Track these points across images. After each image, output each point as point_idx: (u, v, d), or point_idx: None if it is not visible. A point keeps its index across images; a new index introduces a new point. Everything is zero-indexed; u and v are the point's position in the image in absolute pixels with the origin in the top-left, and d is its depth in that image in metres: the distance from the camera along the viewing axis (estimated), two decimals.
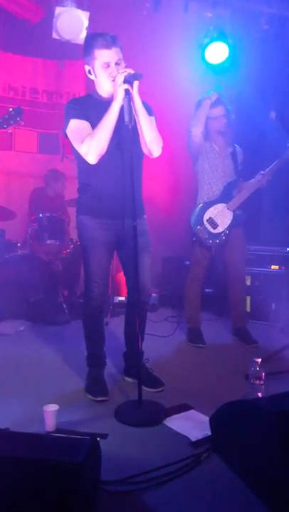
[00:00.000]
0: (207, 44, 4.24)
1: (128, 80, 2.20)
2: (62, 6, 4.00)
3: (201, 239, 3.46)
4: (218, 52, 4.24)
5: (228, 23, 4.23)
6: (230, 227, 3.45)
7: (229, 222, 3.45)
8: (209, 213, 3.45)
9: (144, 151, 2.45)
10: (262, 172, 3.45)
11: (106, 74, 2.31)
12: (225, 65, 4.30)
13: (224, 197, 3.46)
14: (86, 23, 4.04)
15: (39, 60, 5.37)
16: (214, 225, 3.44)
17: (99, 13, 4.14)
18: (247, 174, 3.56)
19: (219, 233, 3.45)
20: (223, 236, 3.46)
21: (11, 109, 3.13)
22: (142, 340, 2.55)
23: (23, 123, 3.22)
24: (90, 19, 4.04)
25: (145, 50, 4.43)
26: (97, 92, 2.44)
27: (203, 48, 4.27)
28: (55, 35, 4.08)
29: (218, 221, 3.45)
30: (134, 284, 2.37)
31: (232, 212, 3.46)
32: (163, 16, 4.18)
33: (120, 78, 2.20)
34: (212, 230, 3.45)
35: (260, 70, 4.39)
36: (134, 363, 2.60)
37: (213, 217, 3.45)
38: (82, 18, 4.02)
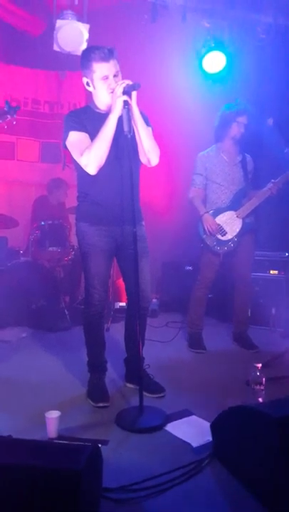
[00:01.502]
0: (205, 53, 4.30)
1: (127, 91, 2.25)
2: (63, 19, 4.06)
3: (209, 246, 3.48)
4: (215, 61, 4.30)
5: (226, 33, 4.28)
6: (239, 234, 3.47)
7: (238, 229, 3.47)
8: (218, 220, 3.46)
9: (142, 160, 2.50)
10: (273, 180, 3.45)
11: (105, 86, 2.36)
12: (222, 74, 4.36)
13: (234, 205, 3.47)
14: (86, 35, 4.10)
15: (40, 72, 5.44)
16: (223, 232, 3.46)
17: (98, 25, 4.20)
18: (253, 182, 3.59)
19: (227, 240, 3.47)
20: (231, 244, 3.47)
21: (5, 107, 2.92)
22: (143, 345, 2.57)
23: (14, 122, 2.97)
24: (90, 31, 4.10)
25: (144, 59, 4.49)
26: (95, 104, 2.49)
27: (200, 57, 4.33)
28: (56, 48, 4.14)
29: (227, 228, 3.46)
30: (134, 290, 2.40)
31: (241, 220, 3.47)
32: (161, 26, 4.23)
33: (119, 89, 2.24)
34: (220, 237, 3.46)
35: (257, 78, 4.44)
36: (134, 369, 2.63)
37: (222, 224, 3.46)
38: (83, 30, 4.08)
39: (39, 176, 5.37)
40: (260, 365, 2.41)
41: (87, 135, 2.38)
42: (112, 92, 2.31)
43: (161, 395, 2.60)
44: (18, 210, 5.11)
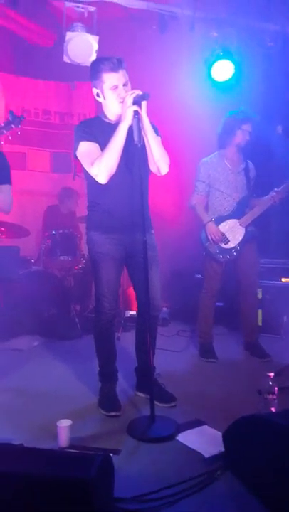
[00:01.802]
0: (213, 62, 4.32)
1: (137, 101, 2.27)
2: (73, 31, 4.13)
3: (212, 254, 3.47)
4: (223, 70, 4.33)
5: (234, 41, 4.31)
6: (241, 243, 3.46)
7: (241, 238, 3.46)
8: (221, 228, 3.46)
9: (152, 169, 2.51)
10: (276, 189, 3.44)
11: (114, 96, 2.39)
12: (231, 82, 4.38)
13: (236, 213, 3.47)
14: (96, 46, 4.16)
15: (51, 83, 5.53)
16: (225, 241, 3.46)
17: (108, 37, 4.26)
18: (255, 189, 3.59)
19: (230, 249, 3.46)
20: (234, 252, 3.46)
21: (9, 117, 2.83)
22: (153, 354, 2.57)
23: (19, 132, 2.86)
24: (100, 42, 4.16)
25: (153, 70, 4.53)
26: (104, 115, 2.52)
27: (209, 66, 4.36)
28: (66, 59, 4.21)
29: (229, 236, 3.45)
30: (144, 299, 2.40)
31: (244, 229, 3.46)
32: (169, 37, 4.27)
33: (129, 100, 2.26)
34: (223, 245, 3.46)
35: (265, 86, 4.45)
36: (145, 378, 2.62)
37: (224, 232, 3.45)
38: (92, 42, 4.14)
39: (50, 185, 5.43)
40: (272, 374, 2.38)
41: (97, 145, 2.41)
42: (122, 102, 2.33)
43: (173, 404, 2.59)
44: (29, 219, 5.16)
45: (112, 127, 2.37)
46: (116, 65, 2.35)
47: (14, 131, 2.81)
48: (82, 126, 2.51)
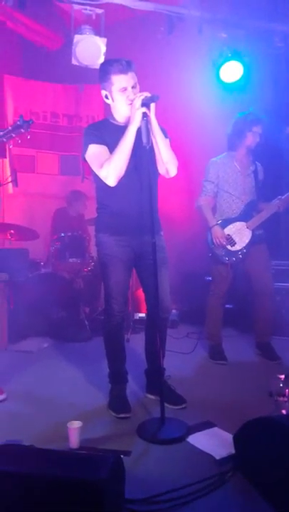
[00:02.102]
0: (221, 63, 4.31)
1: (145, 103, 2.27)
2: (81, 33, 4.14)
3: (217, 255, 3.45)
4: (232, 71, 4.31)
5: (242, 42, 4.29)
6: (248, 245, 3.44)
7: (248, 240, 3.43)
8: (228, 230, 3.44)
9: (161, 171, 2.51)
10: (279, 197, 3.42)
11: (124, 98, 2.39)
12: (240, 84, 4.36)
13: (244, 215, 3.44)
14: (104, 48, 4.18)
15: (59, 85, 5.56)
16: (232, 243, 3.44)
17: (116, 39, 4.27)
18: (263, 191, 3.57)
19: (236, 251, 3.44)
20: (240, 254, 3.44)
21: (18, 121, 2.80)
22: (163, 356, 2.56)
23: (29, 136, 2.83)
24: (108, 45, 4.17)
25: (161, 71, 4.54)
26: (113, 117, 2.52)
27: (217, 68, 4.35)
28: (74, 62, 4.22)
29: (236, 239, 3.44)
30: (153, 300, 2.39)
31: (251, 231, 3.44)
32: (177, 39, 4.27)
33: (138, 102, 2.27)
34: (229, 248, 3.44)
35: (274, 87, 4.43)
36: (155, 380, 2.61)
37: (231, 234, 3.43)
38: (100, 44, 4.16)
39: (59, 188, 5.45)
40: (283, 376, 2.36)
41: (106, 148, 2.41)
42: (130, 104, 2.33)
43: (183, 406, 2.58)
44: (38, 222, 5.18)
45: (120, 129, 2.38)
46: (125, 67, 2.35)
47: (24, 136, 2.81)
48: (90, 129, 2.52)
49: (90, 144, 2.43)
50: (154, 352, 2.54)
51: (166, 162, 2.45)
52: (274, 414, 2.23)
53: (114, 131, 2.41)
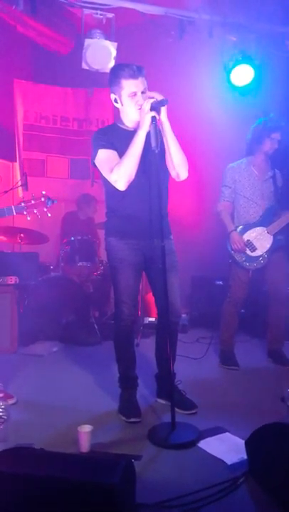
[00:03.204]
0: (232, 67, 4.30)
1: (155, 107, 2.27)
2: (91, 37, 4.16)
3: (238, 261, 3.43)
4: (243, 75, 4.30)
5: (253, 46, 4.28)
6: (269, 251, 3.40)
7: (269, 246, 3.40)
8: (248, 236, 3.41)
9: (172, 174, 2.51)
10: None
11: (133, 102, 2.39)
12: (251, 87, 4.34)
13: (264, 220, 3.42)
14: (114, 52, 4.19)
15: (69, 89, 5.60)
16: (252, 248, 3.41)
17: (126, 43, 4.28)
18: (282, 198, 3.54)
19: (257, 256, 3.41)
20: (261, 260, 3.40)
21: (43, 198, 2.84)
22: (174, 361, 2.55)
23: (49, 215, 2.86)
24: (118, 49, 4.19)
25: (172, 75, 4.54)
26: (122, 122, 2.52)
27: (228, 71, 4.34)
28: (84, 66, 4.24)
29: (256, 244, 3.40)
30: (163, 304, 2.38)
31: (272, 237, 3.41)
32: (188, 42, 4.27)
33: (147, 106, 2.27)
34: (250, 253, 3.41)
35: (285, 90, 4.41)
36: (166, 385, 2.60)
37: (251, 240, 3.41)
38: (111, 48, 4.17)
39: (69, 192, 5.47)
40: None
41: (115, 152, 2.41)
42: (139, 109, 2.33)
43: (193, 411, 2.56)
44: (48, 226, 5.19)
45: (129, 134, 2.38)
46: (135, 72, 2.35)
47: (43, 212, 2.86)
48: (99, 133, 2.53)
49: (100, 148, 2.43)
50: (165, 357, 2.51)
51: (178, 165, 2.45)
52: (287, 420, 2.21)
53: (123, 136, 2.42)
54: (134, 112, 2.40)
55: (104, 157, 2.43)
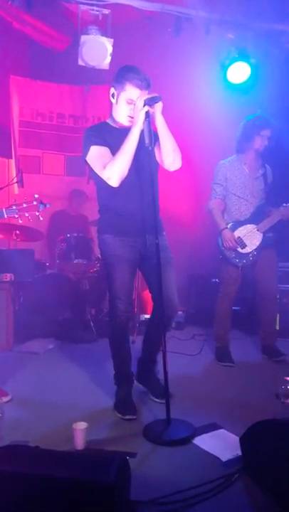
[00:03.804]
0: (229, 64, 4.30)
1: (148, 104, 2.29)
2: (88, 34, 4.14)
3: (228, 258, 3.45)
4: (240, 72, 4.30)
5: (250, 43, 4.28)
6: (259, 248, 3.43)
7: (258, 243, 3.43)
8: (238, 233, 3.43)
9: (166, 162, 2.50)
10: (284, 205, 3.40)
11: (126, 108, 2.43)
12: (247, 85, 4.35)
13: (254, 218, 3.43)
14: (110, 49, 4.17)
15: (65, 86, 5.57)
16: (242, 245, 3.43)
17: (123, 39, 4.26)
18: (273, 195, 3.55)
19: (247, 253, 3.43)
20: (250, 257, 3.43)
21: (35, 202, 2.85)
22: (159, 351, 2.66)
23: (42, 218, 2.91)
24: (114, 45, 4.17)
25: (168, 72, 4.53)
26: (113, 119, 2.55)
27: (225, 69, 4.34)
28: (80, 62, 4.22)
29: (246, 241, 3.43)
30: (159, 300, 2.38)
31: (262, 234, 3.43)
32: (185, 39, 4.25)
33: (140, 103, 2.30)
34: (240, 250, 3.43)
35: (282, 88, 4.41)
36: (146, 369, 2.77)
37: (242, 237, 3.43)
38: (107, 45, 4.15)
39: (65, 189, 5.46)
40: None
41: (108, 149, 2.42)
42: (131, 120, 2.38)
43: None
44: (43, 222, 5.15)
45: (120, 132, 2.41)
46: (143, 84, 2.37)
47: (35, 216, 2.88)
48: (92, 130, 2.54)
49: (92, 145, 2.44)
50: (152, 348, 2.67)
51: (172, 150, 2.45)
52: (281, 417, 2.22)
53: (115, 134, 2.44)
54: (124, 116, 2.45)
55: (96, 154, 2.43)
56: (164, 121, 2.39)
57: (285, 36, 4.24)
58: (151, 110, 2.30)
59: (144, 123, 2.29)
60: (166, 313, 2.46)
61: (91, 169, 2.50)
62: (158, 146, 2.48)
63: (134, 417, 2.45)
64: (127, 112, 2.43)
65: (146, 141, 2.29)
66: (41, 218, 2.87)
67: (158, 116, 2.36)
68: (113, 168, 2.35)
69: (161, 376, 2.71)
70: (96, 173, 2.46)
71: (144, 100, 2.28)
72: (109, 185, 2.40)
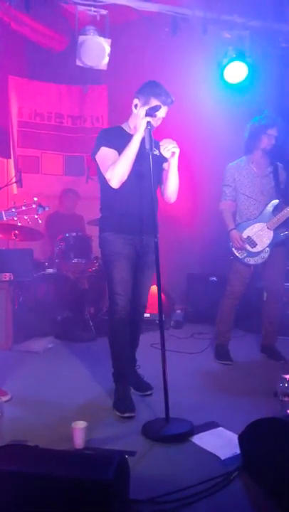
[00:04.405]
0: (226, 64, 4.31)
1: (149, 113, 2.42)
2: (85, 34, 4.14)
3: (239, 257, 3.44)
4: (237, 72, 4.31)
5: (247, 43, 4.29)
6: (270, 246, 3.41)
7: (269, 241, 3.41)
8: (248, 232, 3.43)
9: (166, 197, 2.74)
10: None
11: (145, 119, 2.49)
12: (244, 84, 4.35)
13: (263, 216, 3.42)
14: (108, 49, 4.18)
15: (63, 86, 5.57)
16: (253, 244, 3.42)
17: (120, 40, 4.27)
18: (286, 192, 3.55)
19: (258, 252, 3.42)
20: (262, 254, 3.42)
21: (34, 205, 2.89)
22: (136, 347, 2.89)
23: (40, 221, 3.01)
24: (112, 45, 4.18)
25: (165, 72, 4.51)
26: (128, 125, 2.66)
27: (222, 68, 4.34)
28: (78, 63, 4.23)
29: (256, 240, 3.42)
30: (138, 297, 2.65)
31: (272, 232, 3.42)
32: (182, 39, 4.26)
33: (142, 112, 2.42)
34: (250, 249, 3.42)
35: (279, 88, 4.42)
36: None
37: (251, 236, 3.42)
38: (104, 45, 4.16)
39: (63, 188, 5.46)
40: (288, 376, 2.36)
41: (116, 152, 2.53)
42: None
43: (149, 392, 2.77)
44: (42, 222, 5.18)
45: (131, 138, 2.50)
46: (168, 103, 2.52)
47: (34, 219, 2.93)
48: (106, 132, 2.69)
49: (102, 146, 2.56)
50: (131, 342, 2.79)
51: (176, 191, 2.69)
52: (279, 415, 2.23)
53: (126, 139, 2.51)
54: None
55: (104, 155, 2.55)
56: (176, 165, 2.56)
57: (281, 36, 4.25)
58: (152, 122, 2.44)
59: (145, 131, 2.41)
60: (138, 309, 2.72)
61: (98, 170, 2.62)
62: (164, 181, 2.68)
63: (133, 415, 2.47)
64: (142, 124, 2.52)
65: (147, 146, 2.40)
66: (40, 221, 2.94)
67: (173, 161, 2.53)
68: (114, 171, 2.46)
69: (150, 372, 2.78)
70: (102, 174, 2.57)
71: (146, 110, 2.41)
72: (111, 186, 2.51)
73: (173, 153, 2.48)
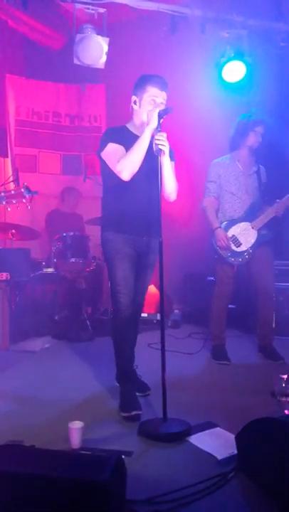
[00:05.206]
0: (224, 63, 4.31)
1: (161, 114, 2.43)
2: (83, 33, 4.13)
3: (223, 257, 3.45)
4: (235, 71, 4.31)
5: (245, 42, 4.29)
6: (254, 246, 3.43)
7: (253, 241, 3.43)
8: (232, 231, 3.44)
9: (166, 196, 2.68)
10: (278, 201, 3.42)
11: (151, 105, 2.53)
12: (242, 83, 4.36)
13: (248, 216, 3.44)
14: (106, 48, 4.17)
15: (61, 85, 5.57)
16: (237, 243, 3.43)
17: (118, 38, 4.26)
18: (267, 193, 3.55)
19: (242, 252, 3.43)
20: (246, 255, 3.43)
21: (23, 189, 2.83)
22: (134, 345, 2.83)
23: (29, 207, 2.92)
24: (110, 44, 4.17)
25: (163, 71, 4.50)
26: (132, 124, 2.65)
27: (220, 67, 4.34)
28: (76, 61, 4.22)
29: (241, 239, 3.43)
30: (135, 295, 2.62)
31: (256, 232, 3.44)
32: (180, 38, 4.26)
33: (155, 113, 2.43)
34: (235, 248, 3.43)
35: (277, 87, 4.42)
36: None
37: (236, 235, 3.43)
38: (102, 43, 4.15)
39: (61, 187, 5.45)
40: (285, 376, 2.36)
41: (123, 148, 2.54)
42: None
43: (147, 393, 2.73)
44: (40, 221, 5.18)
45: (136, 138, 2.50)
46: (163, 85, 2.55)
47: (23, 203, 2.86)
48: (111, 130, 2.70)
49: (110, 142, 2.56)
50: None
51: (170, 192, 2.65)
52: (276, 415, 2.22)
53: (131, 140, 2.52)
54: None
55: (112, 150, 2.54)
56: (168, 164, 2.54)
57: (280, 35, 4.25)
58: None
59: (154, 131, 2.42)
60: (135, 307, 2.69)
61: (102, 169, 2.63)
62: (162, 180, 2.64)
63: (140, 412, 2.44)
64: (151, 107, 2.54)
65: (155, 148, 2.42)
66: (29, 207, 2.88)
67: (165, 160, 2.49)
68: (125, 162, 2.45)
69: (148, 372, 2.75)
70: (106, 173, 2.59)
71: (159, 111, 2.42)
72: (116, 186, 2.53)
73: (163, 152, 2.45)
